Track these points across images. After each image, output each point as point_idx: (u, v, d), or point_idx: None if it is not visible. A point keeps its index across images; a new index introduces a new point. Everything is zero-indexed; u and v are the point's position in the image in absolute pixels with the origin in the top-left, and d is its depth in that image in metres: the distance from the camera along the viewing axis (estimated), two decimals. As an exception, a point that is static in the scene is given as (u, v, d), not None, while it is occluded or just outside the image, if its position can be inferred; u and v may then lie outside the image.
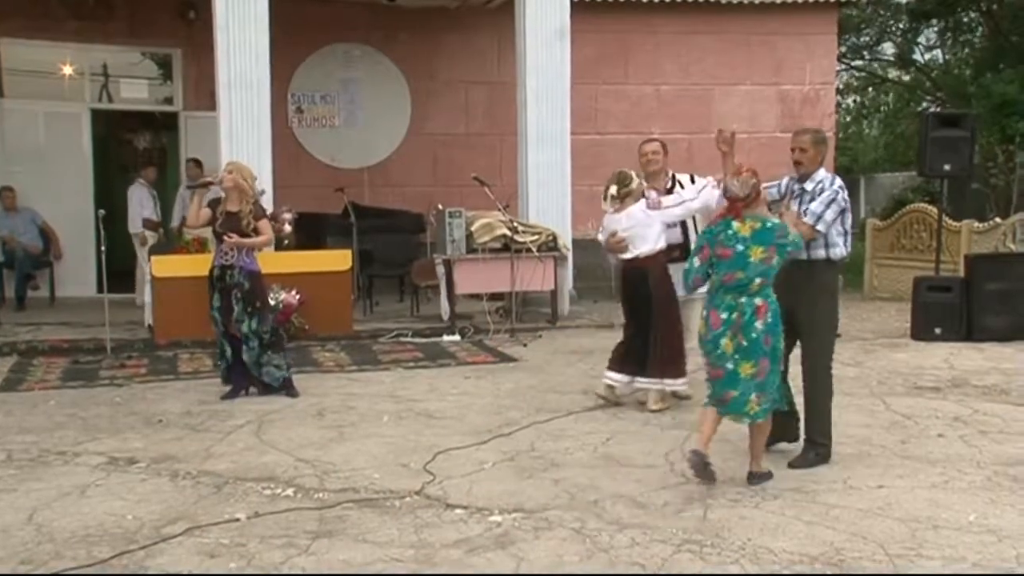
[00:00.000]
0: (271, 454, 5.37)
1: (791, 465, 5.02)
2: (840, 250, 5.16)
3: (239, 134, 9.38)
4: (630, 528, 4.16)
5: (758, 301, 4.67)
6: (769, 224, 4.73)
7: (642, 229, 6.17)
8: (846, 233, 5.16)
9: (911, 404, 6.44)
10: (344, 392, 6.97)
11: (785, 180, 5.33)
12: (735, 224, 4.72)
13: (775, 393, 4.81)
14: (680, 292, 6.23)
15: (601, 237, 6.44)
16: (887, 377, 7.36)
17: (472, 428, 5.90)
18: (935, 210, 10.99)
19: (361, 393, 6.94)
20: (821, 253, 5.10)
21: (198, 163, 11.23)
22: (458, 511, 4.40)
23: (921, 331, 9.08)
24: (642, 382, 6.27)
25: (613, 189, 6.25)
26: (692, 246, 6.17)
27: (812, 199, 5.09)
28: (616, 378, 6.34)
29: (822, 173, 5.19)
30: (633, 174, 6.26)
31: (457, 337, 9.24)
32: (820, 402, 5.13)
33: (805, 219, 5.04)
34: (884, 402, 6.51)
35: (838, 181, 5.18)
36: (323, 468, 5.09)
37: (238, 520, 4.30)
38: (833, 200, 5.05)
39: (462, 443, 5.54)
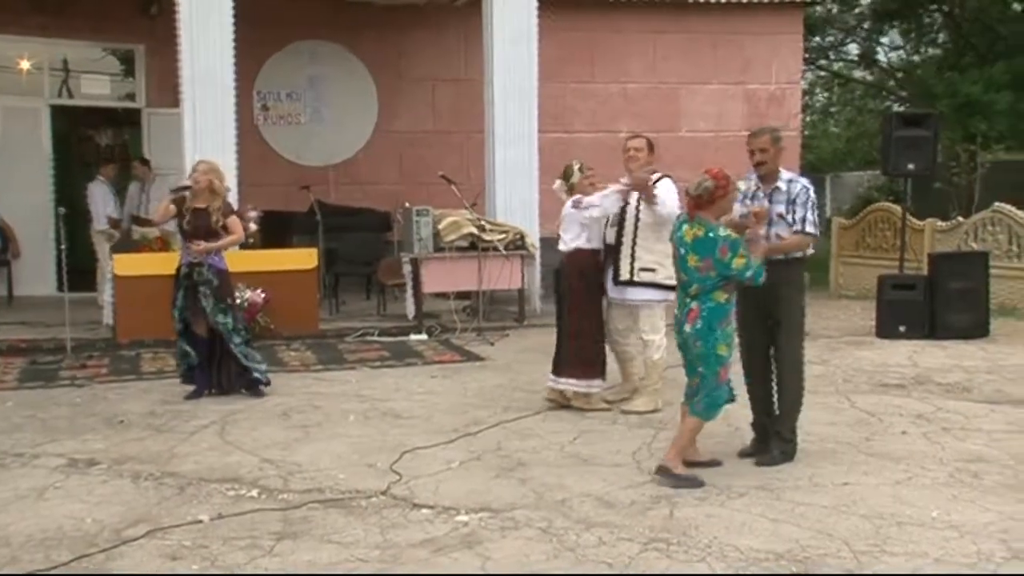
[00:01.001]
0: (235, 455, 5.32)
1: (757, 463, 5.05)
2: (810, 248, 5.21)
3: (203, 131, 9.26)
4: (597, 527, 4.16)
5: (693, 305, 4.79)
6: (712, 235, 4.71)
7: (566, 223, 6.24)
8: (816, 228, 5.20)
9: (875, 402, 6.50)
10: (310, 392, 6.91)
11: (743, 184, 5.26)
12: (685, 227, 4.83)
13: (711, 398, 4.78)
14: (612, 294, 6.24)
15: None
16: (852, 375, 7.42)
17: (439, 427, 5.87)
18: (899, 209, 11.09)
19: (327, 393, 6.89)
20: (797, 252, 5.13)
21: (145, 162, 11.21)
22: (424, 511, 4.37)
23: (886, 329, 9.16)
24: (559, 382, 6.27)
25: (557, 183, 6.38)
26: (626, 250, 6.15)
27: (789, 199, 5.07)
28: (549, 378, 6.37)
29: (789, 172, 5.21)
30: (576, 168, 6.30)
31: (424, 336, 9.20)
32: (793, 398, 5.17)
33: (794, 227, 5.01)
34: (849, 400, 6.56)
35: (806, 180, 5.21)
36: (288, 468, 5.05)
37: (201, 522, 4.25)
38: (812, 201, 5.09)
39: (429, 442, 5.51)
